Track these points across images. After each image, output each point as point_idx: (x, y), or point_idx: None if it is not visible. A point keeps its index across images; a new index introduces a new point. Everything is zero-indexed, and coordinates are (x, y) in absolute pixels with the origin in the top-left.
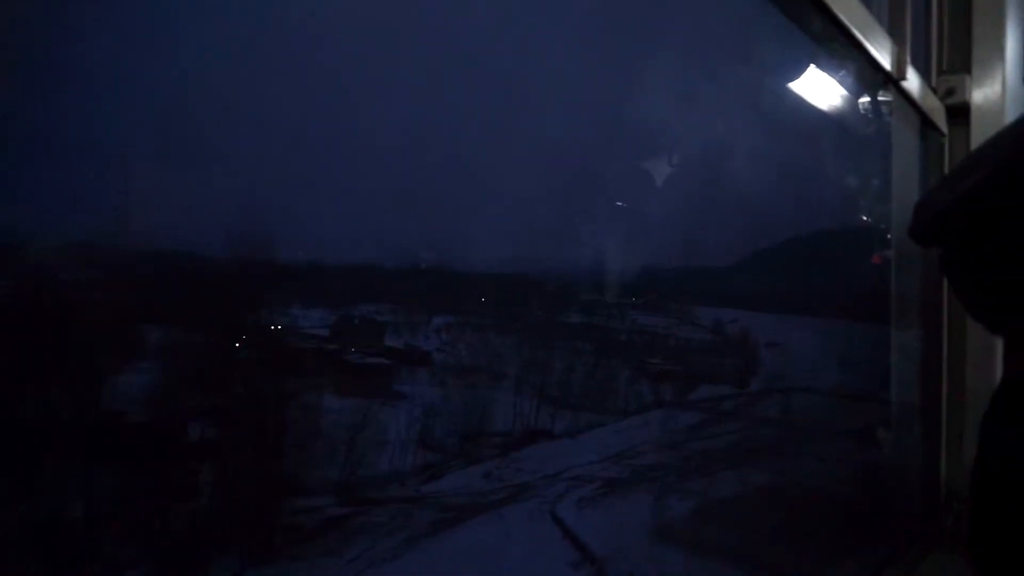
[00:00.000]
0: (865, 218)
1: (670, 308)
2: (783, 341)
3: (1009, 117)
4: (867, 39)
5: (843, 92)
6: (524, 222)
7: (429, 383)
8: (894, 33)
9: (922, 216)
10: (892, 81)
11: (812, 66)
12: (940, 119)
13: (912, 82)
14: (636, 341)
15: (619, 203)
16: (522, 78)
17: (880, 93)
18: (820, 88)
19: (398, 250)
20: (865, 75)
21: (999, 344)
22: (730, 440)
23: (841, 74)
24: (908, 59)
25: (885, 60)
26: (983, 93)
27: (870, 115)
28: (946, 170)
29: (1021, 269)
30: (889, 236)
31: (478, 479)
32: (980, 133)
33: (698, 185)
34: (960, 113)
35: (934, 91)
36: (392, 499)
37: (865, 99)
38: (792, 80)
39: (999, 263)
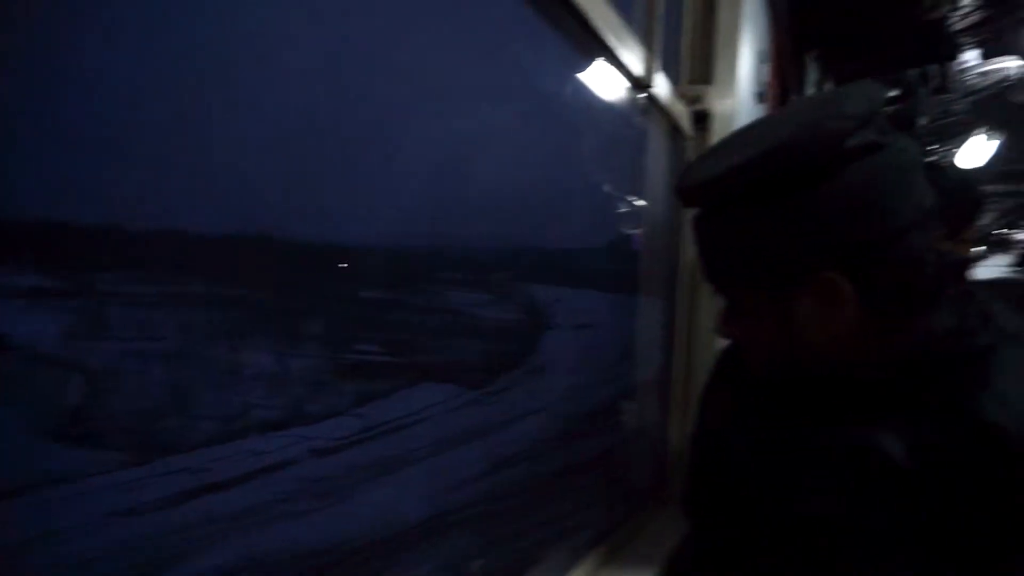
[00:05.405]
0: (623, 207)
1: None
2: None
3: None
4: (621, 45)
5: (600, 95)
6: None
7: None
8: (645, 42)
9: (690, 180)
10: (644, 87)
11: (569, 69)
12: (686, 123)
13: (661, 88)
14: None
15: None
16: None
17: (635, 97)
18: (579, 90)
19: None
20: (619, 80)
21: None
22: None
23: (597, 78)
24: (659, 67)
25: (637, 67)
26: (721, 104)
27: (625, 117)
28: None
29: (759, 240)
30: (639, 229)
31: None
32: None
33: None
34: (703, 119)
35: (681, 98)
36: None
37: (621, 103)
38: (551, 81)
39: (747, 229)
